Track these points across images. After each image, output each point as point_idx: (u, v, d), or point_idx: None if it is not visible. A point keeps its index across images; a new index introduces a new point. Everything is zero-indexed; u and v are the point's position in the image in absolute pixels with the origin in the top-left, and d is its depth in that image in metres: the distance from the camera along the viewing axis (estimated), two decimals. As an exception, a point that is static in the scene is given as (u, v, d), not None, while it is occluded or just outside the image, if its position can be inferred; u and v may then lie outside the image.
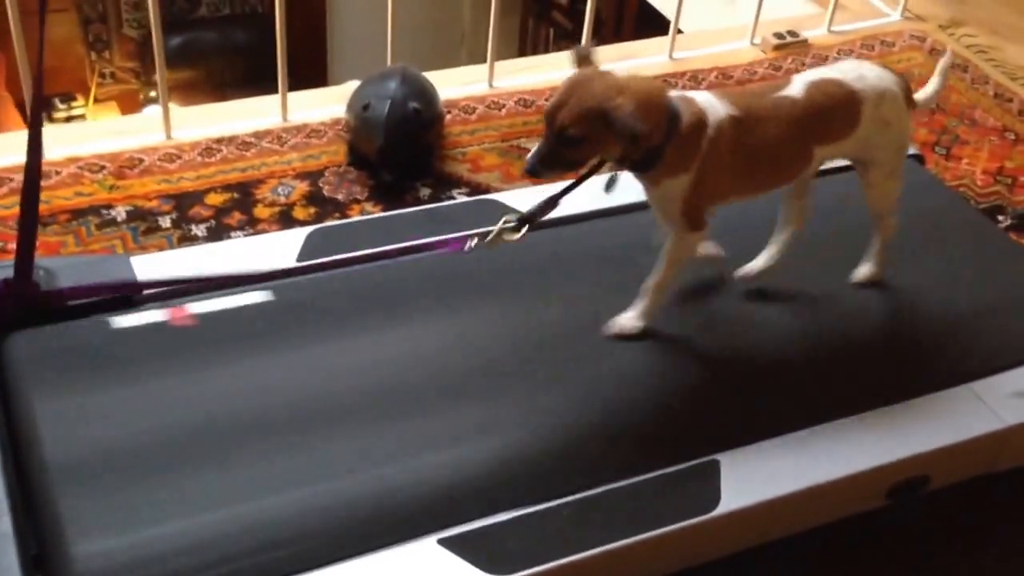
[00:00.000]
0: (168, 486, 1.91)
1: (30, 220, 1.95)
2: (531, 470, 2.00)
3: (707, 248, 2.32)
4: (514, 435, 2.07)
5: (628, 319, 2.24)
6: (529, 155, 1.97)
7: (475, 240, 2.12)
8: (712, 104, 2.06)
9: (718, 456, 2.04)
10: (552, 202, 2.13)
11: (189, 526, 1.85)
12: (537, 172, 1.98)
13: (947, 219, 2.74)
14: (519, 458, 2.02)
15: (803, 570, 2.15)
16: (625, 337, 2.24)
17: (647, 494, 1.97)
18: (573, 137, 1.93)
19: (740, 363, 2.28)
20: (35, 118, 2.00)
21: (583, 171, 2.09)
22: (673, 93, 2.05)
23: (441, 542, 1.85)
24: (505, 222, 2.12)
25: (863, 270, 2.44)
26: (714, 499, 1.97)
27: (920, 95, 2.34)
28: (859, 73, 2.18)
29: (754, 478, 2.02)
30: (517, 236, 2.12)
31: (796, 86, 2.13)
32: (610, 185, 2.14)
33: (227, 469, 1.95)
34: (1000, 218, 3.08)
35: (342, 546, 1.84)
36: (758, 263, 2.38)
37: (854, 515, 2.14)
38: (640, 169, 2.06)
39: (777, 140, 2.09)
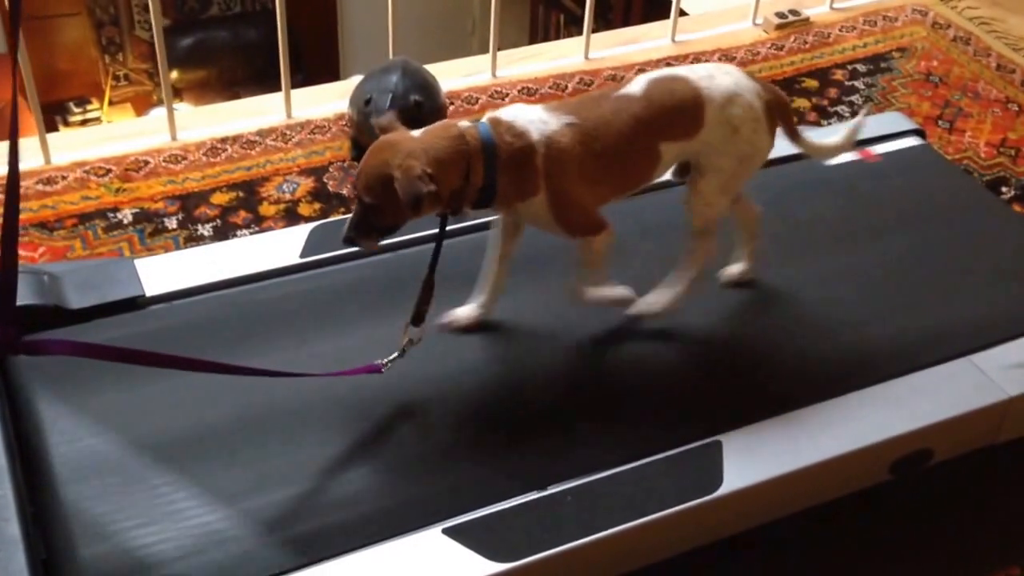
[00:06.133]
0: (176, 488, 1.93)
1: (9, 266, 1.88)
2: (533, 457, 2.01)
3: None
4: (515, 423, 2.08)
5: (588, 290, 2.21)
6: (347, 224, 1.97)
7: (388, 360, 2.08)
8: (541, 119, 2.00)
9: (720, 437, 2.05)
10: (428, 287, 2.08)
11: (198, 527, 1.87)
12: (353, 240, 1.97)
13: (948, 192, 2.74)
14: (521, 446, 2.03)
15: (807, 548, 2.16)
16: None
17: (650, 477, 1.98)
18: (371, 205, 1.92)
19: (740, 343, 2.29)
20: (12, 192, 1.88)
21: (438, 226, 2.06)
22: (490, 117, 2.01)
23: (446, 531, 1.86)
24: (406, 336, 2.09)
25: (653, 299, 2.26)
26: (717, 480, 1.97)
27: (817, 138, 2.27)
28: (709, 73, 2.11)
29: (756, 457, 2.02)
30: (419, 336, 2.10)
31: (637, 84, 2.09)
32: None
33: (234, 469, 1.98)
34: (1004, 189, 3.08)
35: (349, 537, 1.85)
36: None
37: (858, 491, 2.14)
38: (483, 207, 2.03)
39: (621, 139, 2.04)
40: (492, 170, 1.96)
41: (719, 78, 2.10)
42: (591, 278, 2.16)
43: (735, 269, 2.38)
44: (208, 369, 1.95)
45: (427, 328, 2.10)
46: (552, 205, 2.02)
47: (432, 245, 2.07)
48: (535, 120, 2.00)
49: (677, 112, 2.07)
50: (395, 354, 2.08)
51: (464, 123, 2.00)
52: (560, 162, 1.99)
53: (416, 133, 1.95)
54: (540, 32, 7.44)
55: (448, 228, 2.08)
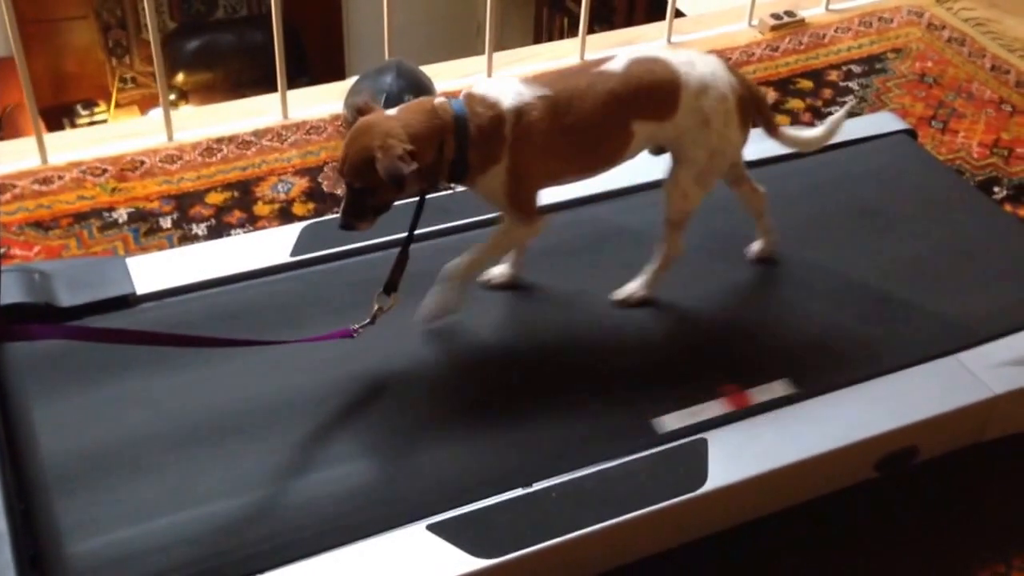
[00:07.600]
0: (163, 485, 1.95)
1: None
2: (517, 454, 2.02)
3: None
4: (499, 420, 2.09)
5: (427, 303, 2.23)
6: (340, 210, 2.01)
7: (359, 325, 2.12)
8: (514, 90, 2.03)
9: (705, 434, 2.06)
10: (403, 258, 2.12)
11: (185, 522, 1.89)
12: (351, 226, 2.01)
13: (937, 192, 2.75)
14: (505, 443, 2.04)
15: (793, 544, 2.16)
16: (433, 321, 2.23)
17: (634, 474, 1.98)
18: (361, 189, 1.95)
19: (726, 340, 2.30)
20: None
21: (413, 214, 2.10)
22: (466, 93, 2.04)
23: (430, 528, 1.88)
24: (377, 304, 2.12)
25: (630, 287, 2.34)
26: (701, 476, 1.98)
27: (797, 131, 2.29)
28: (690, 60, 2.12)
29: (741, 454, 2.03)
30: (391, 305, 2.13)
31: (618, 60, 2.11)
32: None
33: (220, 464, 1.99)
34: (996, 189, 3.08)
35: (334, 534, 1.87)
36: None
37: (844, 488, 2.15)
38: (456, 180, 2.07)
39: (594, 114, 2.06)
40: (464, 143, 2.00)
41: (699, 66, 2.12)
42: (477, 261, 2.19)
43: (756, 247, 2.45)
44: (184, 343, 2.02)
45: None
46: (510, 176, 2.04)
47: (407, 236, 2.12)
48: (509, 91, 2.04)
49: (653, 91, 2.10)
50: (366, 320, 2.12)
51: (439, 99, 2.04)
52: (527, 133, 2.02)
53: (392, 112, 1.99)
54: (545, 35, 7.44)
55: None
